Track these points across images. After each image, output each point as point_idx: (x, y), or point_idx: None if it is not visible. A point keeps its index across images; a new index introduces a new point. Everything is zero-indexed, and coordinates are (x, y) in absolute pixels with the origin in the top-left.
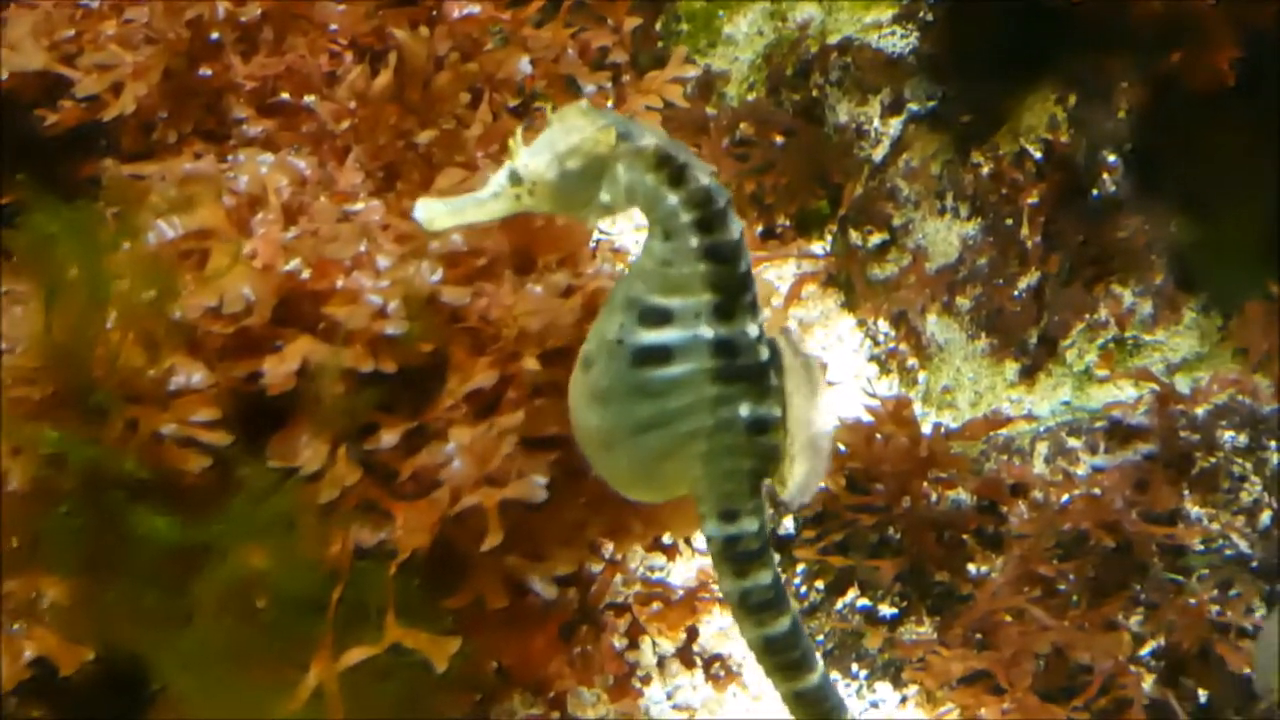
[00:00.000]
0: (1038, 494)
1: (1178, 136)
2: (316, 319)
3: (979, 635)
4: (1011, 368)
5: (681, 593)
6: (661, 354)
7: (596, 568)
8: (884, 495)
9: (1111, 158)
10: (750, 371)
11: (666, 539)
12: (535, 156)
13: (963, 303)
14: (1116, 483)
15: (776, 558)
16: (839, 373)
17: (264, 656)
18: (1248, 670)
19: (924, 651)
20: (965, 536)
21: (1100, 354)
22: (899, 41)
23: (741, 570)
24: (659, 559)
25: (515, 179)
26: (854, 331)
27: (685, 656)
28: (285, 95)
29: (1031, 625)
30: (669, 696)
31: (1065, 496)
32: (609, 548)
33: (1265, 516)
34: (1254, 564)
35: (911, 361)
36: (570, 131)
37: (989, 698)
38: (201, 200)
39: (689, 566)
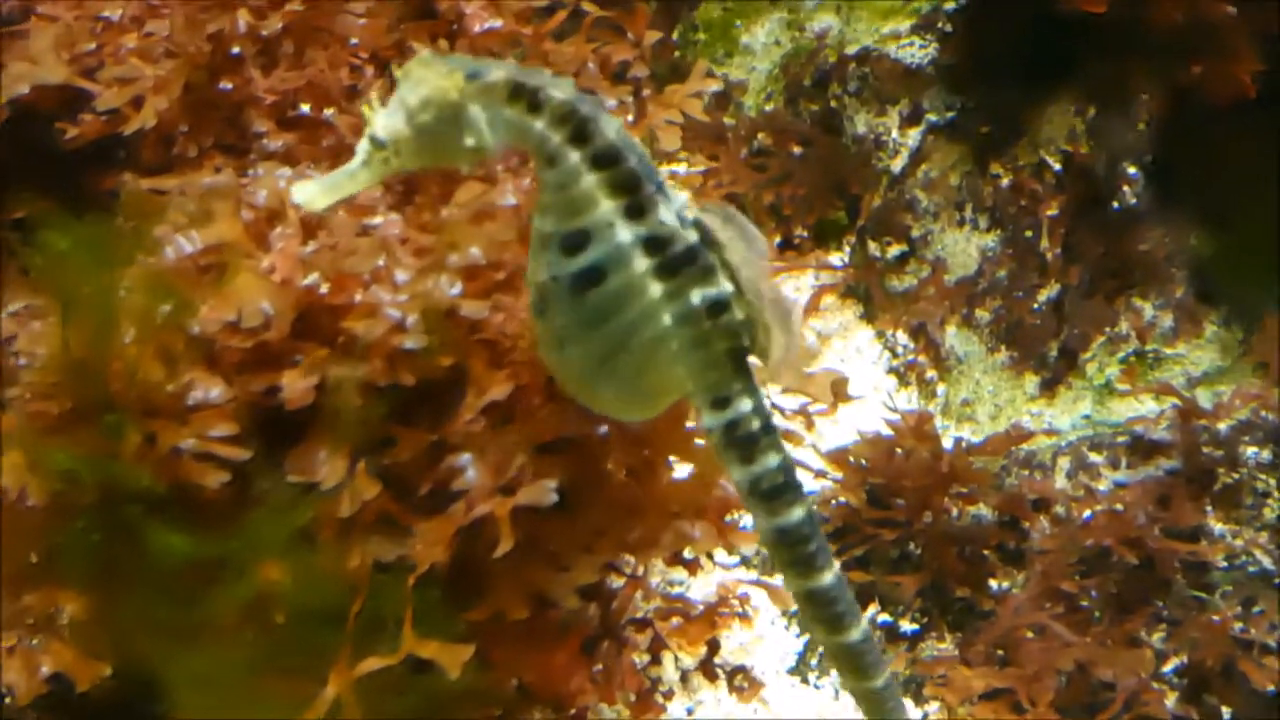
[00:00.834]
0: (1059, 509)
1: (1198, 148)
2: (335, 333)
3: (1000, 652)
4: (1031, 381)
5: (701, 607)
6: (594, 274)
7: (617, 583)
8: (905, 510)
9: (1131, 169)
10: (685, 258)
11: (688, 554)
12: (390, 117)
13: (982, 315)
14: (1139, 498)
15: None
16: (858, 385)
17: (281, 670)
18: (1270, 687)
19: (945, 668)
20: (986, 552)
21: (1121, 367)
22: (917, 52)
23: (747, 454)
24: (679, 574)
25: (377, 144)
26: (873, 343)
27: (708, 670)
28: (305, 109)
29: (1054, 642)
30: (690, 712)
31: (1087, 512)
32: (630, 562)
33: None
34: (1277, 580)
35: (931, 374)
36: (418, 84)
37: (1010, 714)
38: (220, 214)
39: (708, 581)
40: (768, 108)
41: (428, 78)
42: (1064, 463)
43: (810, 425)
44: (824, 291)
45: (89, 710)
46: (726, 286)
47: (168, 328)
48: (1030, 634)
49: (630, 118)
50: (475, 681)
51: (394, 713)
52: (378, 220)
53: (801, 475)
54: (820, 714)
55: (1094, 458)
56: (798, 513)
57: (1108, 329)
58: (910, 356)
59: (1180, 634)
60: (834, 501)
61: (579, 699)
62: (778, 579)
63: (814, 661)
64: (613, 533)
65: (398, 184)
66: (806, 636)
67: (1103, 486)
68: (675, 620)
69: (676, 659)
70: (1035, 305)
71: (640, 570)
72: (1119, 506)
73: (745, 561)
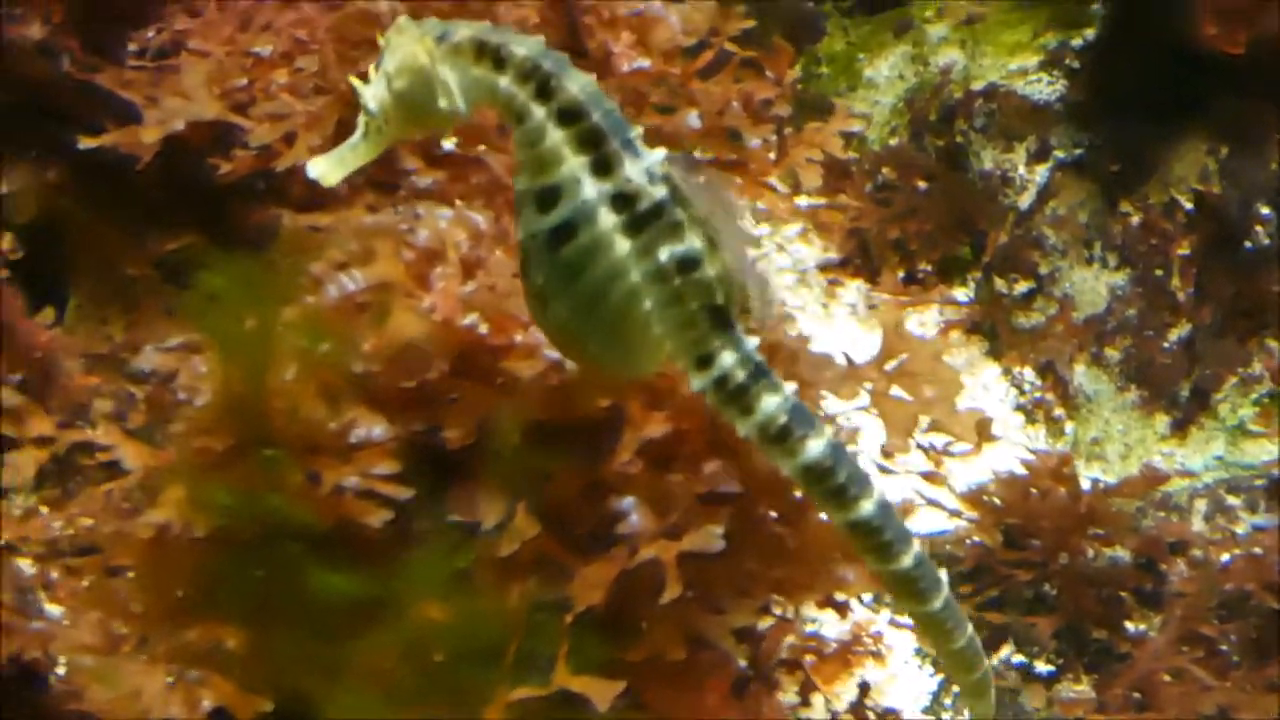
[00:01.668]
0: (1197, 552)
1: None
2: (495, 373)
3: (1138, 695)
4: (1162, 420)
5: (835, 646)
6: (566, 230)
7: (765, 624)
8: (1040, 551)
9: (1265, 210)
10: (652, 213)
11: (838, 596)
12: (376, 86)
13: (1112, 353)
14: (1278, 542)
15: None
16: None
17: (435, 707)
18: None
19: (1083, 710)
20: (1123, 594)
21: (1255, 409)
22: (1045, 88)
23: (745, 405)
24: (811, 611)
25: (369, 114)
26: (999, 380)
27: (858, 713)
28: (453, 145)
29: (1193, 686)
30: None
31: (1225, 555)
32: (779, 603)
33: None
34: None
35: (1059, 411)
36: (394, 51)
37: None
38: (381, 254)
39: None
40: (892, 142)
41: (402, 44)
42: (1201, 505)
43: (940, 463)
44: (950, 327)
45: None
46: (696, 243)
47: (329, 365)
48: (1169, 678)
49: (773, 155)
50: None
51: None
52: None
53: (936, 515)
54: None
55: (1231, 500)
56: (814, 446)
57: (1240, 370)
58: (1038, 394)
59: None
60: (968, 541)
61: None
62: (908, 619)
63: (948, 701)
64: (768, 576)
65: None
66: (941, 676)
67: (1241, 530)
68: (810, 659)
69: (827, 700)
70: (1166, 344)
71: (790, 612)
72: (1258, 550)
73: (878, 600)
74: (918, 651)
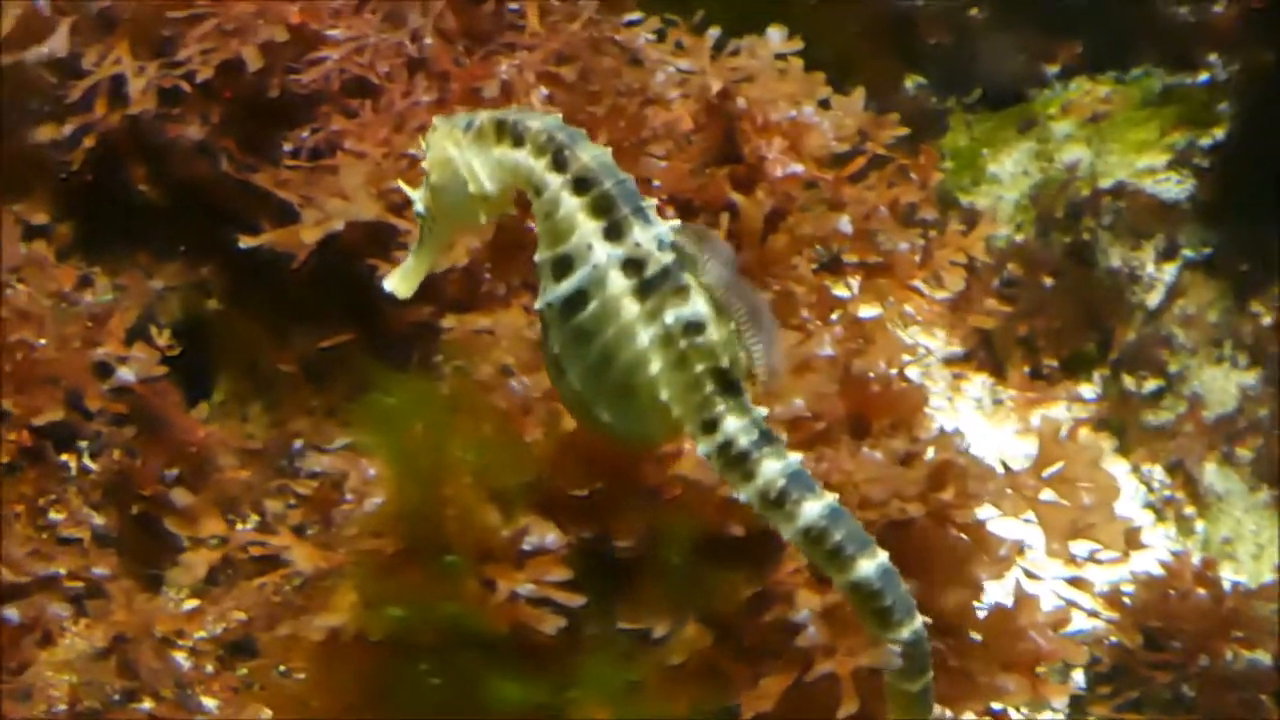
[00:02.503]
0: None
1: None
2: (664, 481)
3: None
4: None
5: None
6: (579, 298)
7: None
8: (1180, 652)
9: None
10: (660, 277)
11: (996, 706)
12: (421, 188)
13: (1243, 453)
14: None
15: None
16: None
17: None
18: None
19: None
20: (1263, 697)
21: None
22: (1174, 187)
23: (746, 471)
24: None
25: (419, 217)
26: (1128, 477)
27: None
28: None
29: None
30: None
31: None
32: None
33: None
34: None
35: (1189, 510)
36: (430, 149)
37: None
38: None
39: None
40: (1017, 238)
41: (436, 141)
42: None
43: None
44: (1078, 424)
45: None
46: (701, 306)
47: (501, 471)
48: None
49: (918, 259)
50: None
51: None
52: None
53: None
54: None
55: None
56: (811, 509)
57: None
58: (1167, 492)
59: None
60: (1107, 641)
61: None
62: None
63: None
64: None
65: None
66: None
67: None
68: None
69: None
70: None
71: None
72: None
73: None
74: None
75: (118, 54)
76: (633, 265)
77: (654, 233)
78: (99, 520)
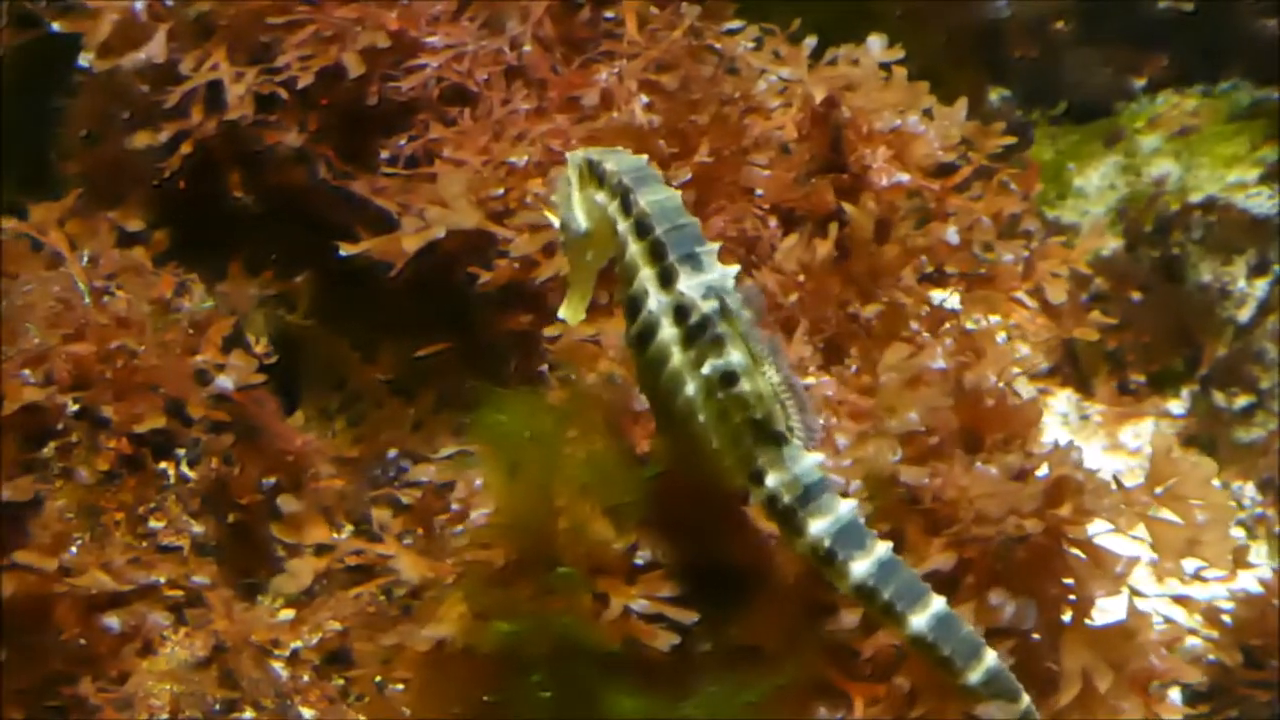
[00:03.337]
0: None
1: None
2: None
3: None
4: None
5: None
6: (641, 339)
7: None
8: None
9: None
10: (699, 327)
11: None
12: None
13: None
14: None
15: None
16: None
17: None
18: None
19: None
20: None
21: None
22: (1265, 202)
23: (794, 527)
24: None
25: (562, 245)
26: None
27: None
28: None
29: None
30: None
31: None
32: None
33: None
34: None
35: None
36: (559, 182)
37: None
38: None
39: None
40: (1104, 252)
41: (563, 174)
42: None
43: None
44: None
45: None
46: (736, 357)
47: (614, 485)
48: None
49: (1020, 270)
50: None
51: None
52: (810, 381)
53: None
54: None
55: None
56: (859, 568)
57: None
58: (1259, 509)
59: None
60: (1206, 659)
61: None
62: None
63: None
64: (1043, 705)
65: (819, 342)
66: None
67: None
68: None
69: None
70: None
71: None
72: None
73: None
74: None
75: (215, 60)
76: (680, 313)
77: (700, 280)
78: (197, 528)
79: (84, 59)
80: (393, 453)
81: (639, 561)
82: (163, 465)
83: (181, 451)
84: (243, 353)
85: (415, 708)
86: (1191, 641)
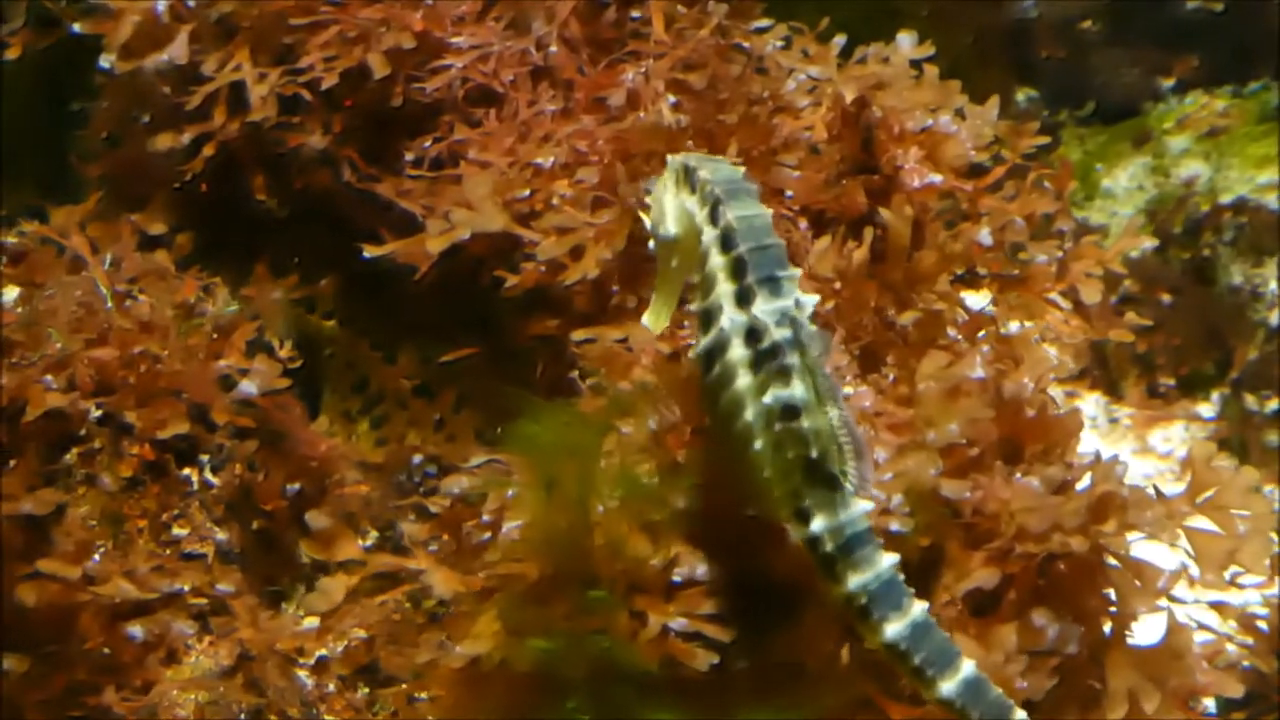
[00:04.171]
0: None
1: None
2: None
3: None
4: None
5: None
6: (710, 357)
7: None
8: None
9: None
10: (769, 353)
11: None
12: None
13: None
14: None
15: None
16: None
17: None
18: None
19: None
20: None
21: None
22: None
23: (833, 575)
24: None
25: (652, 251)
26: None
27: None
28: None
29: None
30: None
31: None
32: None
33: None
34: None
35: None
36: (656, 185)
37: None
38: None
39: None
40: (1133, 254)
41: (660, 178)
42: None
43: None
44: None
45: None
46: (799, 391)
47: (651, 501)
48: None
49: (1054, 269)
50: None
51: None
52: (848, 391)
53: (1204, 637)
54: None
55: None
56: (892, 629)
57: None
58: None
59: None
60: (1241, 666)
61: None
62: None
63: None
64: None
65: (855, 350)
66: None
67: None
68: None
69: None
70: None
71: None
72: None
73: None
74: None
75: (238, 61)
76: (752, 335)
77: (777, 305)
78: (221, 535)
79: (105, 60)
80: (418, 458)
81: (677, 579)
82: (186, 471)
83: (205, 458)
84: (267, 357)
85: None
86: (1227, 648)
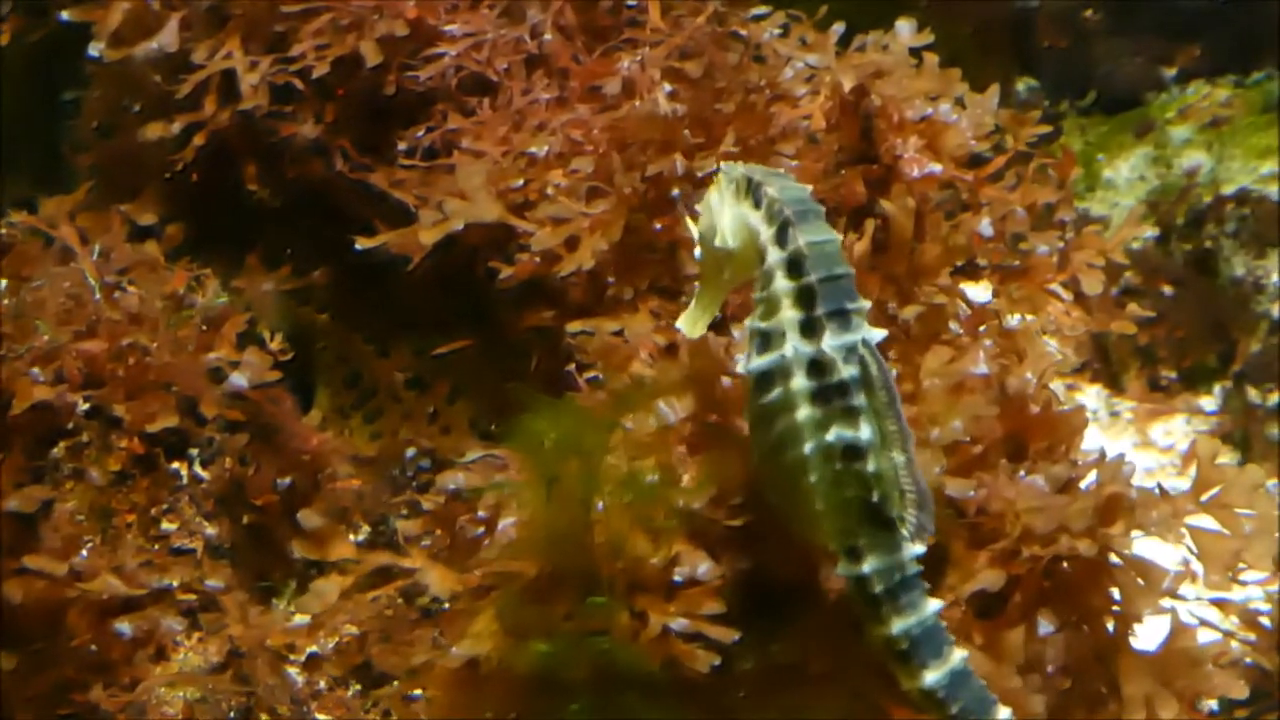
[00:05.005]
0: None
1: None
2: None
3: None
4: None
5: None
6: (765, 379)
7: None
8: None
9: None
10: (836, 390)
11: None
12: (697, 228)
13: None
14: None
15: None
16: None
17: None
18: None
19: None
20: None
21: None
22: None
23: (876, 616)
24: None
25: (698, 258)
26: None
27: None
28: None
29: None
30: None
31: None
32: None
33: None
34: None
35: None
36: (706, 195)
37: None
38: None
39: None
40: (1135, 245)
41: (714, 187)
42: None
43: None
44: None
45: None
46: (866, 434)
47: (652, 499)
48: None
49: (1056, 260)
50: None
51: None
52: None
53: (1207, 636)
54: None
55: None
56: (931, 677)
57: None
58: None
59: None
60: (1244, 663)
61: None
62: None
63: None
64: None
65: None
66: None
67: None
68: None
69: None
70: None
71: None
72: None
73: None
74: None
75: (229, 49)
76: (817, 368)
77: (845, 340)
78: (211, 530)
79: (94, 49)
80: (411, 452)
81: (678, 578)
82: (176, 465)
83: (195, 451)
84: (258, 350)
85: None
86: (1230, 646)
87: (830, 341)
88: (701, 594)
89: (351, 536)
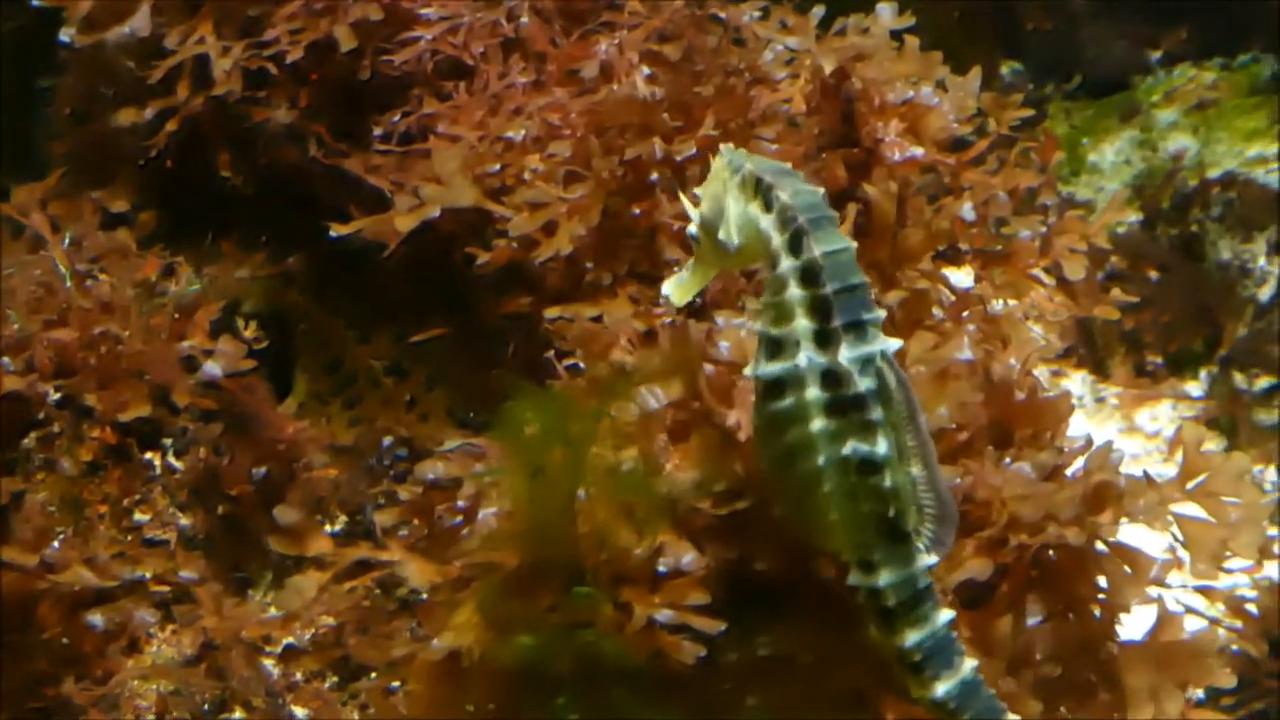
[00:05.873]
0: None
1: None
2: None
3: None
4: None
5: None
6: (776, 387)
7: None
8: None
9: None
10: (852, 405)
11: None
12: (697, 212)
13: None
14: None
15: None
16: None
17: None
18: None
19: None
20: None
21: None
22: None
23: (889, 628)
24: None
25: (693, 239)
26: None
27: None
28: None
29: None
30: None
31: None
32: None
33: None
34: None
35: None
36: (710, 179)
37: None
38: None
39: None
40: (1120, 229)
41: (716, 169)
42: None
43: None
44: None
45: None
46: (882, 448)
47: (635, 488)
48: None
49: (1038, 245)
50: None
51: None
52: None
53: (1194, 623)
54: None
55: None
56: (943, 688)
57: None
58: None
59: None
60: (1231, 650)
61: None
62: None
63: None
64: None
65: None
66: None
67: None
68: None
69: None
70: None
71: None
72: None
73: None
74: None
75: (201, 34)
76: (831, 380)
77: (862, 352)
78: (185, 521)
79: (65, 34)
80: (388, 440)
81: (662, 569)
82: (149, 455)
83: (168, 441)
84: (231, 338)
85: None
86: (1217, 633)
87: (846, 354)
88: (686, 585)
89: (328, 527)
